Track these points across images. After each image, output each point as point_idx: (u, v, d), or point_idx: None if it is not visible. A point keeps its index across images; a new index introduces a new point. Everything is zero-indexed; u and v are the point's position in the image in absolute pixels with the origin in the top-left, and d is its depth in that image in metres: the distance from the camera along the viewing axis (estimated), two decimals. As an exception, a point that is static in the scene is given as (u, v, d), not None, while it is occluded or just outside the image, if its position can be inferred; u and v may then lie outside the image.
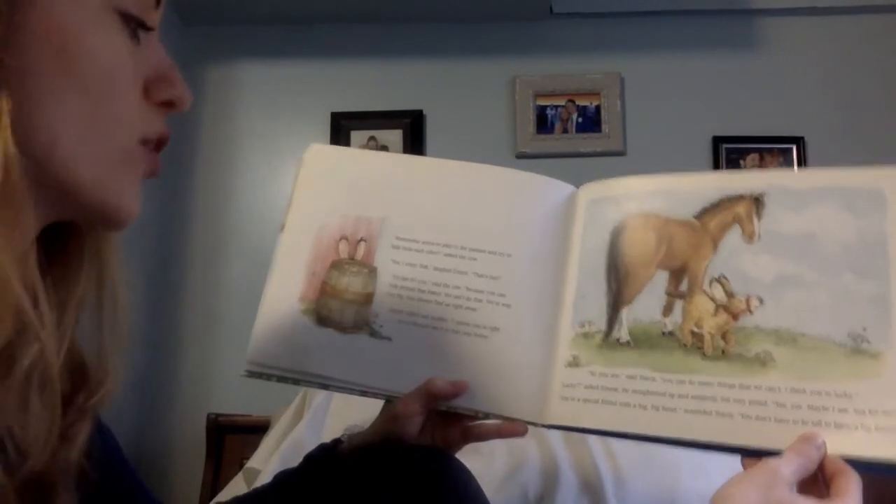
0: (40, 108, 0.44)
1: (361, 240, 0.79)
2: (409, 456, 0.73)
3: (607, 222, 0.74)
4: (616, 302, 0.71)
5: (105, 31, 0.47)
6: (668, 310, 0.68)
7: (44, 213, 0.48)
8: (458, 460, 0.75)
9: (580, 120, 2.09)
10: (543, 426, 0.71)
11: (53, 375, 0.46)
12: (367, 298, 0.77)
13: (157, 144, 0.52)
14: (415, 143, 2.08)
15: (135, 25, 0.49)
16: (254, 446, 1.43)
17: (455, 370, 0.74)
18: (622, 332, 0.69)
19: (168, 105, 0.52)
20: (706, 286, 0.67)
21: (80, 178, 0.47)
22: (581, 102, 2.10)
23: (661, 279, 0.69)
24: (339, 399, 1.34)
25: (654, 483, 1.12)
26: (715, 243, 0.68)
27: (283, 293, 0.78)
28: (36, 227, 0.48)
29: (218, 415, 1.84)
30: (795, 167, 2.01)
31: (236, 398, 1.85)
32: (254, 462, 1.33)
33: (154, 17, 0.51)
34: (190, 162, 2.11)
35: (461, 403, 0.73)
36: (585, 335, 0.71)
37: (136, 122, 0.49)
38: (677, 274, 0.69)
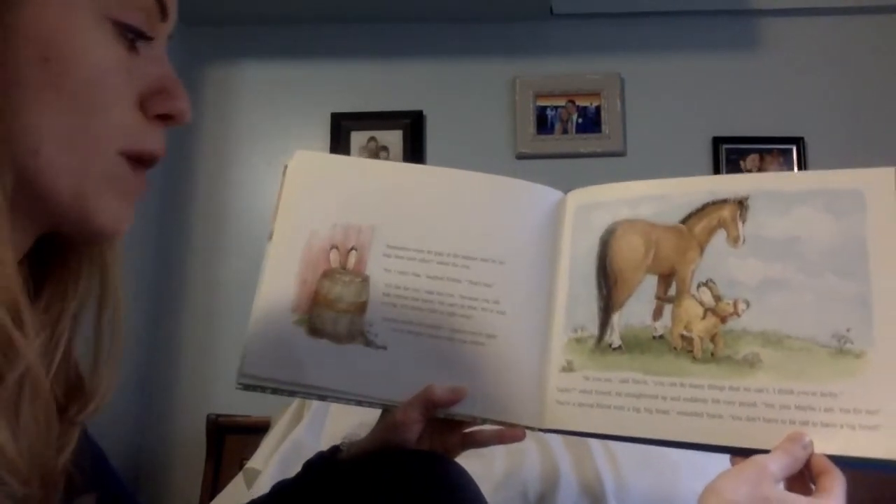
0: (23, 116, 0.44)
1: (352, 248, 0.78)
2: (407, 460, 0.73)
3: (596, 228, 0.74)
4: (607, 307, 0.72)
5: (96, 41, 0.46)
6: (657, 314, 0.69)
7: (32, 225, 0.48)
8: (456, 463, 0.75)
9: (580, 120, 2.09)
10: (541, 430, 0.73)
11: (44, 388, 0.46)
12: (361, 308, 0.77)
13: (147, 161, 0.51)
14: (415, 144, 2.08)
15: (132, 36, 0.48)
16: (254, 447, 1.43)
17: (452, 377, 0.74)
18: (614, 337, 0.70)
19: (166, 118, 0.51)
20: (694, 290, 0.68)
21: (61, 189, 0.46)
22: (581, 103, 2.10)
23: (650, 284, 0.70)
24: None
25: (654, 483, 1.13)
26: (701, 247, 0.69)
27: (274, 304, 0.77)
28: (24, 241, 0.48)
29: (218, 415, 1.85)
30: (795, 168, 2.01)
31: (236, 399, 1.83)
32: (254, 462, 1.33)
33: (158, 29, 0.50)
34: (190, 162, 2.12)
35: (459, 410, 0.74)
36: (578, 340, 0.72)
37: (124, 135, 0.48)
38: (665, 278, 0.70)
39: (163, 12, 0.50)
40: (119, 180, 0.49)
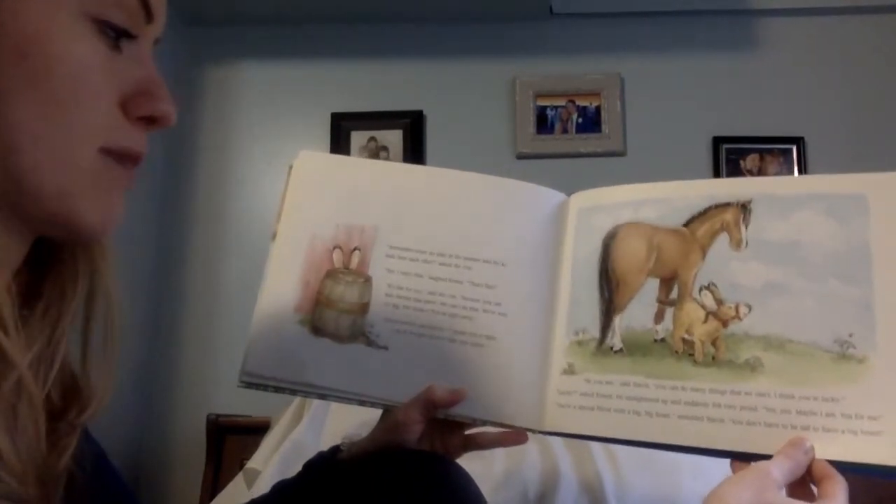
0: (3, 114, 0.43)
1: (355, 249, 0.79)
2: (407, 460, 0.73)
3: (598, 231, 0.74)
4: (609, 310, 0.72)
5: (76, 38, 0.45)
6: (659, 317, 0.69)
7: (25, 229, 0.47)
8: (456, 464, 0.75)
9: (580, 120, 2.09)
10: (541, 433, 0.73)
11: (35, 393, 0.46)
12: (363, 308, 0.77)
13: (132, 160, 0.50)
14: (415, 144, 2.08)
15: (114, 34, 0.47)
16: (254, 447, 1.43)
17: (453, 378, 0.74)
18: (615, 340, 0.70)
19: (149, 121, 0.50)
20: (696, 294, 0.68)
21: (41, 187, 0.45)
22: (581, 103, 2.10)
23: (652, 287, 0.70)
24: (338, 400, 1.34)
25: (654, 483, 1.13)
26: (703, 251, 0.69)
27: (277, 303, 0.78)
28: (20, 246, 0.47)
29: (218, 415, 1.84)
30: (795, 168, 2.01)
31: (236, 399, 1.84)
32: (254, 463, 1.33)
33: (143, 30, 0.50)
34: (190, 162, 2.12)
35: (460, 411, 0.74)
36: (580, 343, 0.72)
37: (104, 132, 0.47)
38: (667, 282, 0.70)
39: (147, 14, 0.50)
40: (103, 177, 0.48)
